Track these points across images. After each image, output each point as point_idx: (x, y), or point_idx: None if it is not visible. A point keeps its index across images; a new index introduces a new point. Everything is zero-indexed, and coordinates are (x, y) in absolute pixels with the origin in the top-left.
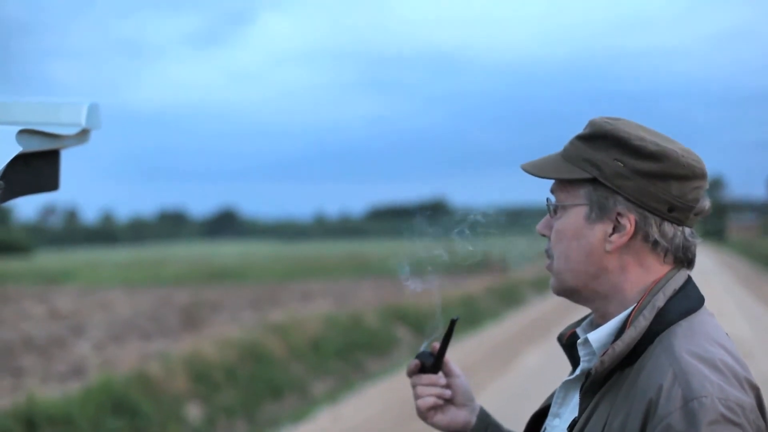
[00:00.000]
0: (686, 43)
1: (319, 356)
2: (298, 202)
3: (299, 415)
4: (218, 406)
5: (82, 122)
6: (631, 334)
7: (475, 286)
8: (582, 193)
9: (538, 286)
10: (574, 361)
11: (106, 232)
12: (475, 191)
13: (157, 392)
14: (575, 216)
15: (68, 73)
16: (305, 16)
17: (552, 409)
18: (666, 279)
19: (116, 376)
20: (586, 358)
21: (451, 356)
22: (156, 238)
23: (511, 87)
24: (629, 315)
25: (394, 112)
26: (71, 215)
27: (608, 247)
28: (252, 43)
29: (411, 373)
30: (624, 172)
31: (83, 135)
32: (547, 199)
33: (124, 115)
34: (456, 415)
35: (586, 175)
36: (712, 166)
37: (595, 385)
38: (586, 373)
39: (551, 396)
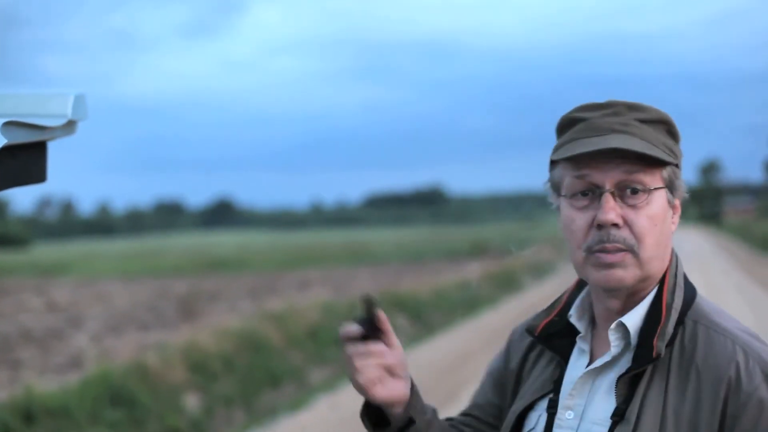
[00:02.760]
0: (679, 27)
1: (317, 344)
2: (294, 191)
3: (297, 403)
4: (216, 395)
5: (68, 113)
6: (674, 317)
7: (473, 271)
8: (663, 176)
9: (535, 272)
10: (561, 351)
11: (103, 224)
12: (471, 178)
13: (155, 383)
14: (661, 200)
15: (62, 65)
16: (296, 4)
17: (562, 402)
18: (675, 257)
19: (114, 368)
20: (616, 343)
21: (450, 344)
22: (153, 229)
23: (505, 73)
24: (656, 295)
25: (388, 100)
26: (68, 207)
27: (673, 228)
28: (244, 32)
29: (349, 340)
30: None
31: (70, 126)
32: (622, 183)
33: (119, 107)
34: (395, 387)
35: (672, 160)
36: (708, 149)
37: (640, 371)
38: (620, 359)
39: (538, 389)
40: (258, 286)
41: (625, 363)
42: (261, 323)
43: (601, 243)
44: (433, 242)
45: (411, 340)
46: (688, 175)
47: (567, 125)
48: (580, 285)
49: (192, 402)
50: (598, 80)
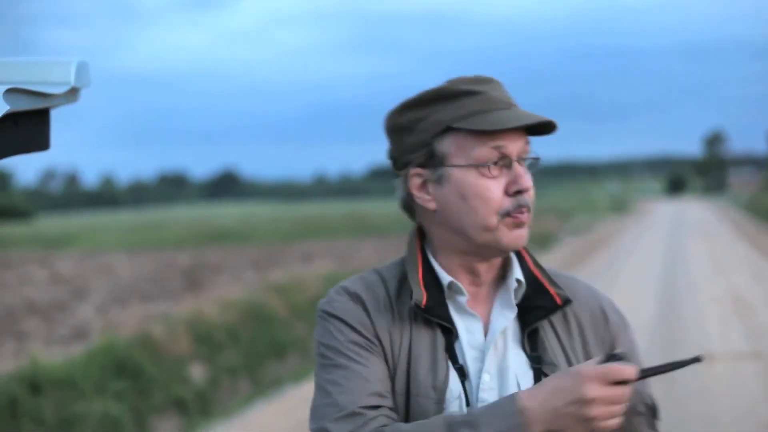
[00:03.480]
0: None
1: None
2: (298, 163)
3: (302, 374)
4: (221, 366)
5: (71, 81)
6: (549, 271)
7: None
8: None
9: (541, 243)
10: (446, 319)
11: (107, 196)
12: None
13: (160, 354)
14: None
15: (65, 38)
16: None
17: (476, 366)
18: None
19: (119, 339)
20: (516, 300)
21: None
22: (157, 201)
23: (509, 44)
24: (518, 255)
25: (391, 70)
26: (72, 179)
27: None
28: (246, 4)
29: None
30: None
31: (73, 93)
32: (521, 154)
33: (123, 79)
34: None
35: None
36: (713, 120)
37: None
38: (522, 312)
39: (443, 361)
40: (262, 257)
41: (512, 318)
42: (265, 294)
43: (519, 207)
44: None
45: None
46: (693, 146)
47: (453, 97)
48: (424, 253)
49: (197, 372)
50: (598, 52)
